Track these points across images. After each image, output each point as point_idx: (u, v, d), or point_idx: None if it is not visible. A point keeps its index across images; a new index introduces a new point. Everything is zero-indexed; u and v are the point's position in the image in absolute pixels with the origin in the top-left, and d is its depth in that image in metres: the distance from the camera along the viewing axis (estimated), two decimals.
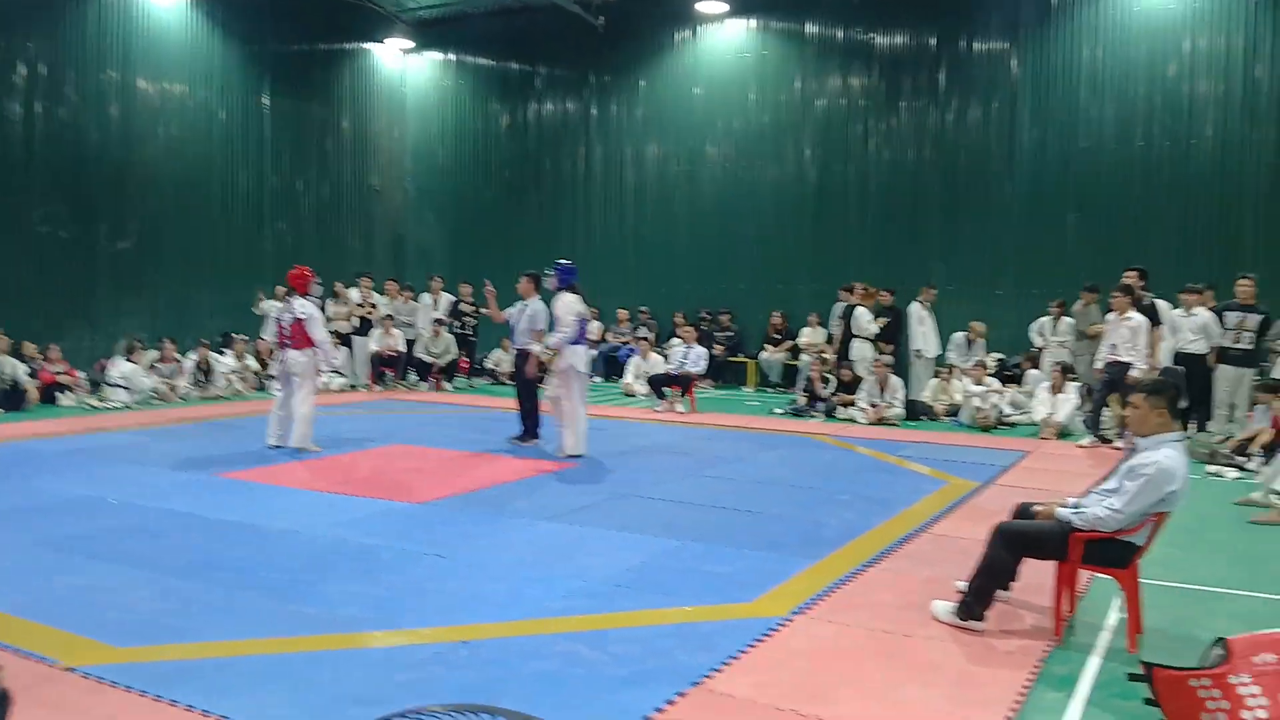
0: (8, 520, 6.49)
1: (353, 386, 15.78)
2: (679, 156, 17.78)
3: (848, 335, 13.78)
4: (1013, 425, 12.14)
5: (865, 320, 13.49)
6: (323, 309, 16.00)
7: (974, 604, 4.54)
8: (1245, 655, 3.46)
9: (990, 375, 12.85)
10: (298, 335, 9.54)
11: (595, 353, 9.39)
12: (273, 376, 14.83)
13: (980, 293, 14.65)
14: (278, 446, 9.63)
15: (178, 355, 14.40)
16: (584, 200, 18.72)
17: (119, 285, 15.77)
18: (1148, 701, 3.57)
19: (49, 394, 12.99)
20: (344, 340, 16.20)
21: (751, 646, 4.34)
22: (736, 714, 3.66)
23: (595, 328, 9.66)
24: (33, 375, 13.08)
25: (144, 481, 7.91)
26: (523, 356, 9.98)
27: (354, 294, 16.51)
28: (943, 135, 15.54)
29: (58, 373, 13.35)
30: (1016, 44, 15.03)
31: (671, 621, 4.69)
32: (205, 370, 14.32)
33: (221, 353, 15.08)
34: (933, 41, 15.63)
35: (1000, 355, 14.33)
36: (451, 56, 20.19)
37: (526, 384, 10.11)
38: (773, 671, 4.05)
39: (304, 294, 9.69)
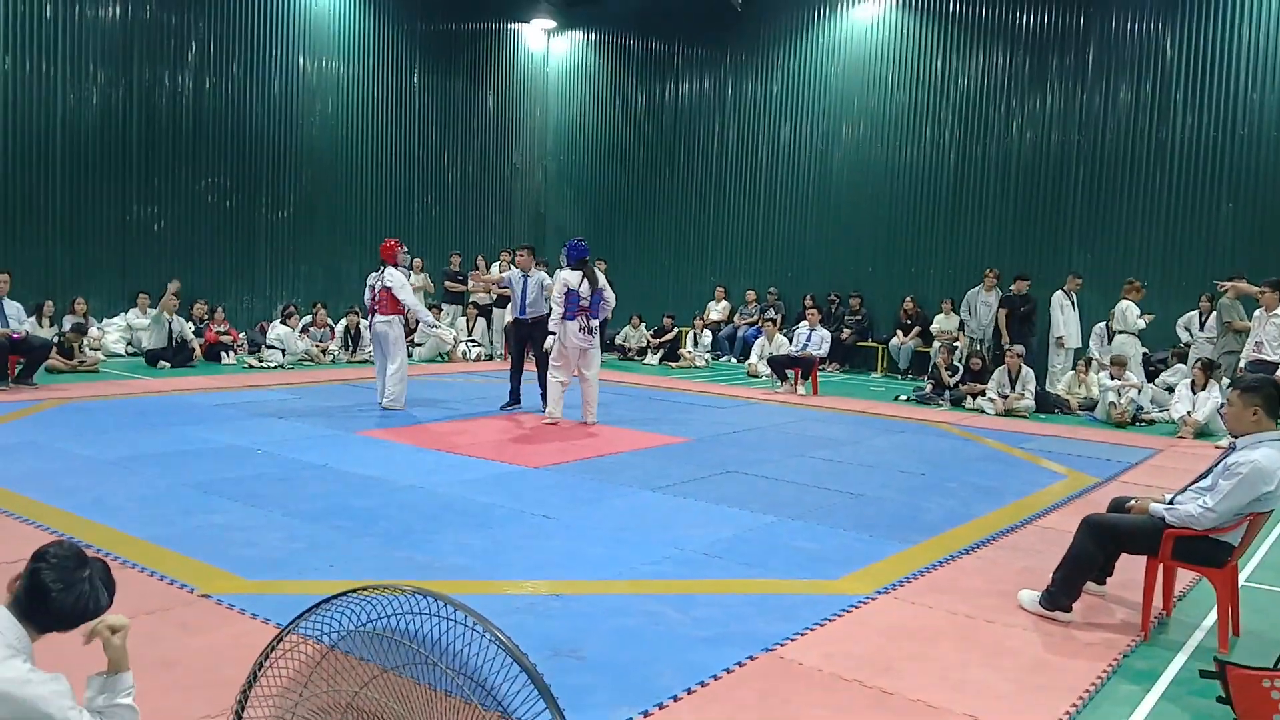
0: (162, 463, 7.17)
1: (489, 356, 16.42)
2: (813, 135, 17.65)
3: (1011, 323, 13.51)
4: (1151, 423, 11.68)
5: (1134, 316, 12.80)
6: (461, 279, 16.82)
7: (1059, 594, 4.54)
8: None
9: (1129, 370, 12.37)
10: (385, 302, 10.22)
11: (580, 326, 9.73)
12: (416, 343, 15.67)
13: (1123, 284, 14.04)
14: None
15: (329, 320, 15.32)
16: (716, 180, 18.83)
17: (277, 253, 16.86)
18: (1220, 699, 3.54)
19: (213, 352, 14.05)
20: (483, 312, 16.86)
21: (829, 620, 4.46)
22: (801, 679, 3.81)
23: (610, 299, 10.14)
24: (199, 334, 14.19)
25: (288, 435, 8.57)
26: (535, 324, 10.38)
27: (495, 269, 17.14)
28: (1089, 118, 14.94)
29: (221, 333, 14.43)
30: (1171, 24, 14.28)
31: (756, 592, 4.85)
32: (354, 335, 15.18)
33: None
34: (1081, 20, 15.01)
35: (1144, 350, 13.75)
36: (593, 35, 20.57)
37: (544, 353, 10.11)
38: (844, 644, 4.18)
39: (393, 264, 10.33)
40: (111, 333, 14.21)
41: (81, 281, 14.32)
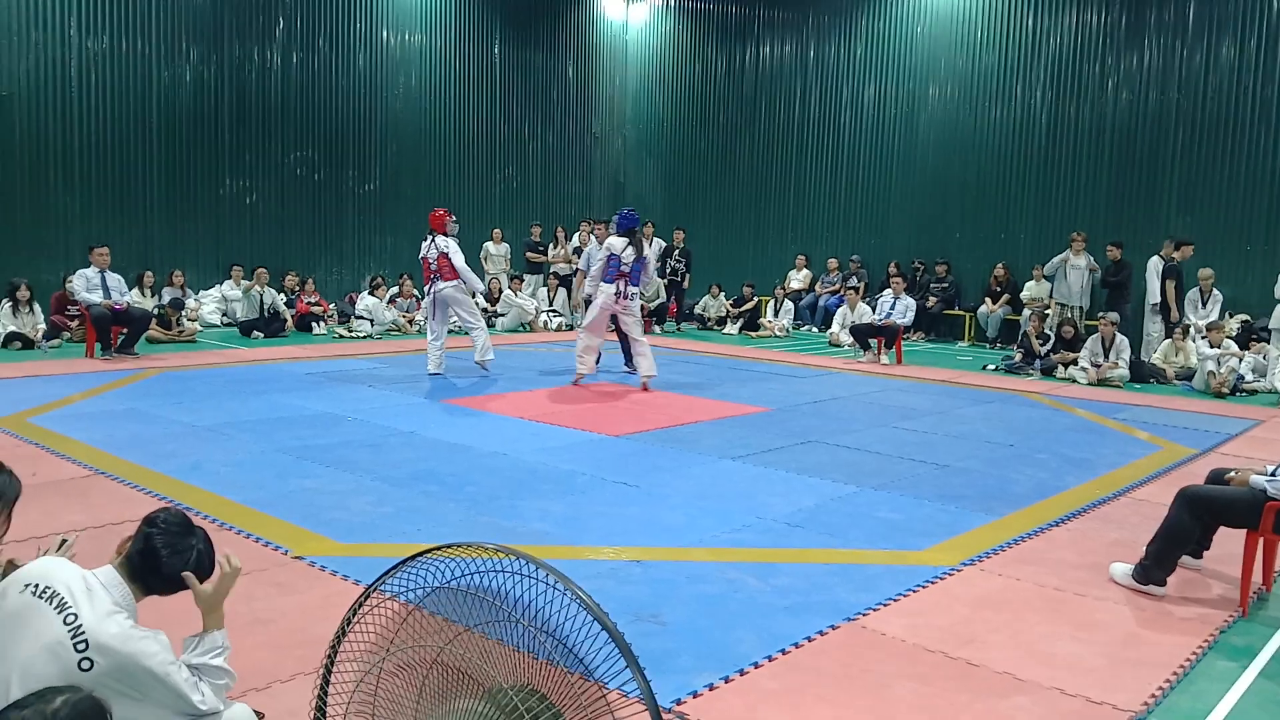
0: (256, 429, 7.41)
1: (570, 326, 16.53)
2: (898, 98, 17.21)
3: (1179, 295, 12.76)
4: (1253, 393, 11.23)
5: None
6: (541, 250, 16.94)
7: (1153, 568, 4.41)
8: None
9: (1230, 337, 11.90)
10: (445, 268, 10.41)
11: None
12: (499, 313, 15.83)
13: (1226, 249, 13.48)
14: (437, 374, 10.51)
15: (415, 291, 15.58)
16: (797, 145, 18.52)
17: (365, 225, 17.20)
18: None
19: (304, 323, 14.43)
20: (563, 282, 16.96)
21: (913, 591, 4.41)
22: (884, 649, 3.78)
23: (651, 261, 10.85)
24: (290, 305, 14.58)
25: (377, 403, 8.77)
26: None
27: (575, 239, 17.21)
28: (1189, 76, 14.25)
29: (311, 304, 14.80)
30: None
31: (838, 561, 4.82)
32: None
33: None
34: None
35: (1245, 316, 13.20)
36: (672, 1, 20.35)
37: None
38: (929, 615, 4.13)
39: (443, 233, 10.51)
40: (207, 304, 14.69)
41: (178, 254, 14.83)
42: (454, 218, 10.88)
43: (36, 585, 2.26)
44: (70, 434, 7.01)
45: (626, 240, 10.11)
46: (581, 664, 1.67)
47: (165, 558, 2.36)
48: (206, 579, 2.46)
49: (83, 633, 2.20)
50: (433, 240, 10.53)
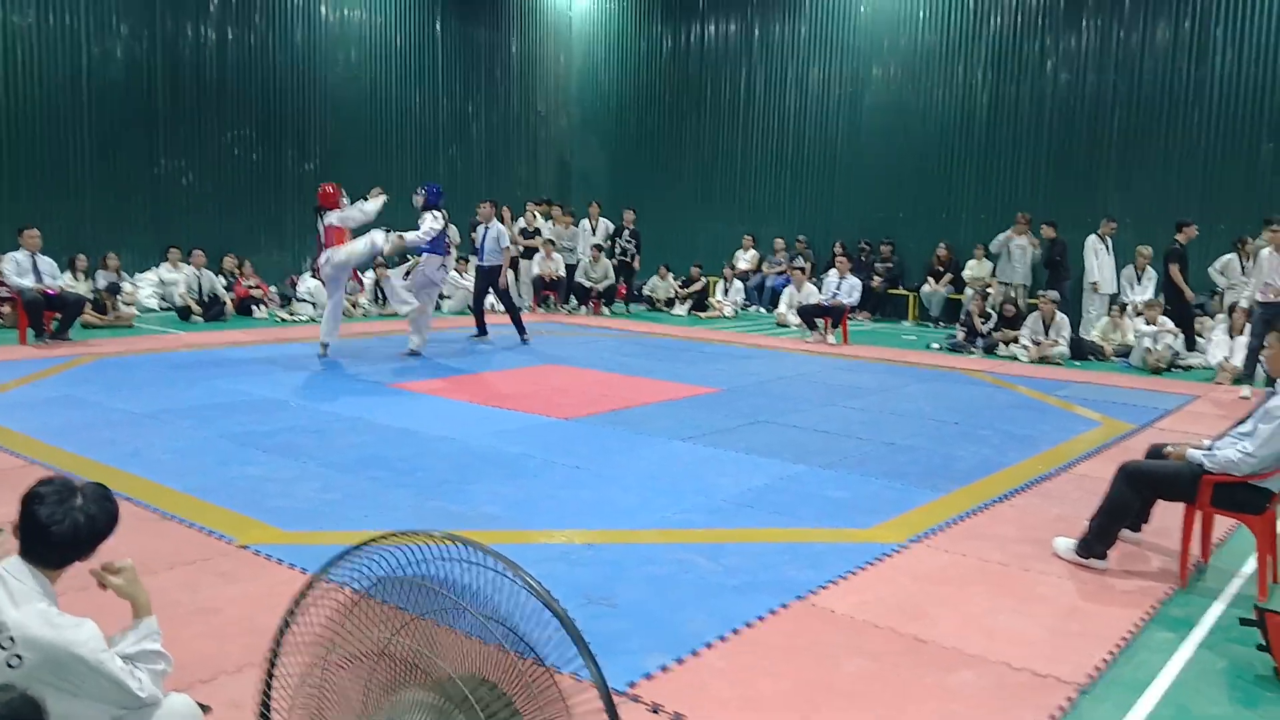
0: (197, 415, 7.24)
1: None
2: (842, 78, 17.26)
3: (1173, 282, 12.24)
4: (1188, 369, 11.52)
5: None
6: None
7: (1094, 542, 4.50)
8: None
9: (1164, 315, 12.17)
10: (333, 237, 10.40)
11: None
12: (444, 295, 15.65)
13: (1160, 227, 13.74)
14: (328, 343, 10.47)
15: (359, 274, 15.33)
16: (743, 125, 18.49)
17: (305, 205, 16.78)
18: (1259, 647, 3.51)
19: (244, 306, 14.13)
20: (509, 264, 16.76)
21: (861, 569, 4.46)
22: (833, 627, 3.81)
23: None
24: (229, 289, 14.27)
25: (321, 388, 8.63)
26: (493, 271, 12.54)
27: (521, 220, 17.03)
28: (1126, 57, 14.49)
29: (251, 287, 14.49)
30: None
31: (787, 540, 4.85)
32: (382, 289, 15.18)
33: (406, 275, 15.97)
34: None
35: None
36: None
37: (502, 292, 12.83)
38: (876, 592, 4.18)
39: (332, 209, 10.48)
40: (144, 287, 14.32)
41: (113, 236, 14.40)
42: (344, 193, 10.78)
43: None
44: (2, 423, 6.79)
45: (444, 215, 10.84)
46: (532, 650, 1.65)
47: (54, 528, 2.24)
48: (104, 539, 2.34)
49: (7, 629, 2.12)
50: (323, 216, 10.50)
